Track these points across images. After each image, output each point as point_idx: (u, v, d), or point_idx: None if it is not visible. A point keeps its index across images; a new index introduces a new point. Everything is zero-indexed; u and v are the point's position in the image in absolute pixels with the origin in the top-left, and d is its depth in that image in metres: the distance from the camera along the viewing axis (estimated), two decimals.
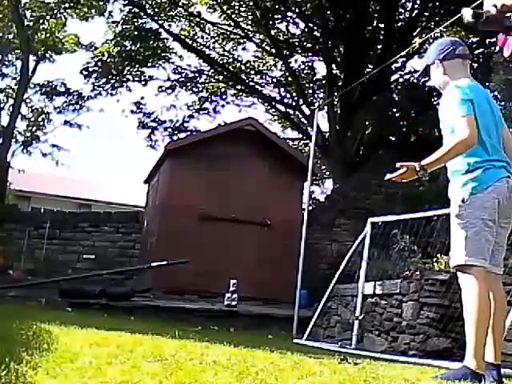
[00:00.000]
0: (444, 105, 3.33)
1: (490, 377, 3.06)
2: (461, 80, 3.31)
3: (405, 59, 16.96)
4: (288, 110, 19.50)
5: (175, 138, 18.91)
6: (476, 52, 15.72)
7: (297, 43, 19.19)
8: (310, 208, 11.87)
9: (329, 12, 16.82)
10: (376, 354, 5.64)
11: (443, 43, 3.50)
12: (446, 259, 6.55)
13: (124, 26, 18.03)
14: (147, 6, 17.92)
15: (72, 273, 12.02)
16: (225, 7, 18.51)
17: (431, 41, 17.71)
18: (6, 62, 20.10)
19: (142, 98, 19.70)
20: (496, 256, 3.21)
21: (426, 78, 17.16)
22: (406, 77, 18.44)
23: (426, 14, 16.96)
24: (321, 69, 19.57)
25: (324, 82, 18.34)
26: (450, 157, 3.17)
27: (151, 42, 18.11)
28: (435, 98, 17.82)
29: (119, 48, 18.14)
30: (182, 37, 18.87)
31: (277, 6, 17.90)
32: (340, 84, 16.47)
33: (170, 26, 18.64)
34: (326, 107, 16.19)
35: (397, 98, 18.09)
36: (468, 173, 3.17)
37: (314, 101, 19.25)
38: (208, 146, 10.70)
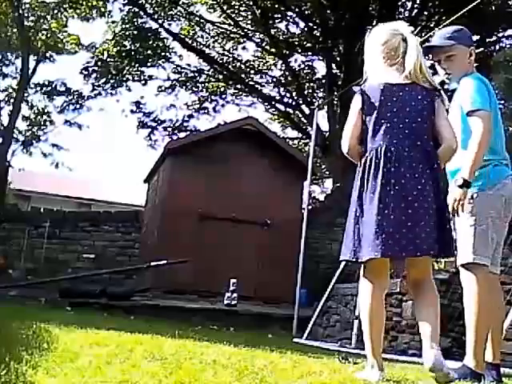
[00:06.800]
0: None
1: (489, 376, 3.06)
2: (474, 74, 3.29)
3: None
4: (288, 109, 19.50)
5: (175, 137, 18.91)
6: (477, 51, 15.72)
7: (297, 43, 19.18)
8: (310, 207, 11.89)
9: (328, 11, 16.82)
10: None
11: (468, 31, 3.42)
12: (446, 259, 6.55)
13: (124, 26, 18.03)
14: (147, 5, 17.91)
15: (72, 272, 12.03)
16: (225, 7, 18.52)
17: (430, 40, 17.78)
18: (7, 62, 20.11)
19: (142, 97, 19.73)
20: (495, 255, 3.20)
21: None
22: None
23: (426, 13, 16.95)
24: (320, 68, 19.58)
25: (324, 81, 18.33)
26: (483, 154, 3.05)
27: (151, 42, 18.10)
28: None
29: (119, 48, 18.13)
30: (182, 36, 18.86)
31: (276, 6, 17.89)
32: (340, 83, 16.46)
33: (169, 25, 18.63)
34: (325, 107, 16.19)
35: None
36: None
37: (314, 100, 19.24)
38: (208, 145, 10.70)
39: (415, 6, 17.23)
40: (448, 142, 2.72)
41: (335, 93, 16.44)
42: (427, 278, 2.81)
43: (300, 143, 20.77)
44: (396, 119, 2.68)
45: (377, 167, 2.64)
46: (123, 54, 18.08)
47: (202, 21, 19.11)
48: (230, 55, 19.85)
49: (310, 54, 19.35)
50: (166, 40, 18.59)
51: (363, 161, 2.73)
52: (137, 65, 18.70)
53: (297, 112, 19.35)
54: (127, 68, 18.62)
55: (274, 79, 19.88)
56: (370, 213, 2.61)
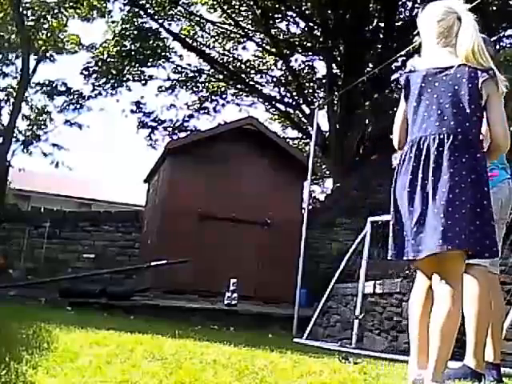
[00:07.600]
0: None
1: (490, 376, 3.06)
2: None
3: (405, 58, 16.96)
4: (288, 109, 19.52)
5: (175, 137, 18.93)
6: None
7: (297, 42, 19.20)
8: (310, 207, 11.88)
9: (329, 11, 16.83)
10: (376, 353, 5.64)
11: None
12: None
13: (124, 26, 18.04)
14: (147, 5, 17.92)
15: (72, 272, 12.02)
16: (225, 6, 18.53)
17: None
18: (7, 61, 20.10)
19: (142, 97, 19.74)
20: None
21: None
22: None
23: None
24: (321, 68, 19.60)
25: (324, 81, 18.35)
26: None
27: (151, 42, 18.12)
28: None
29: (119, 48, 18.14)
30: (182, 36, 18.87)
31: (277, 6, 17.91)
32: (340, 83, 16.47)
33: (170, 25, 18.65)
34: (326, 106, 16.20)
35: (397, 97, 18.09)
36: None
37: (314, 100, 19.26)
38: (208, 145, 10.70)
39: (415, 6, 17.22)
40: (495, 140, 2.52)
41: (335, 93, 16.44)
42: (445, 280, 2.45)
43: (300, 143, 20.78)
44: (435, 105, 2.49)
45: (409, 162, 2.49)
46: (123, 54, 18.09)
47: (202, 21, 19.13)
48: (231, 55, 19.87)
49: (310, 53, 19.36)
50: (166, 40, 18.61)
51: (401, 155, 2.58)
52: (137, 65, 18.71)
53: (297, 112, 19.37)
54: (127, 68, 18.63)
55: (275, 79, 19.90)
56: (400, 210, 2.51)
